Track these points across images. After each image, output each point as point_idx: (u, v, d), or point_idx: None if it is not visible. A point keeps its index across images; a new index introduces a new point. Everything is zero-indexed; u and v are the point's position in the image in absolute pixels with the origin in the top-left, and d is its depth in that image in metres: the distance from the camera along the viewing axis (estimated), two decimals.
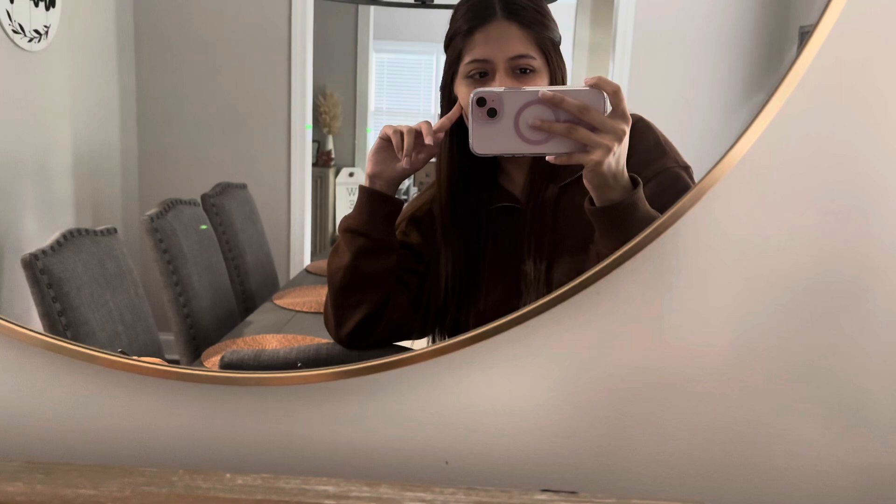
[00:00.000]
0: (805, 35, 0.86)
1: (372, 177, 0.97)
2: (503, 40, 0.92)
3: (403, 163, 0.94)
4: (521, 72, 0.92)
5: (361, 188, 0.98)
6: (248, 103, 1.32)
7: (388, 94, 1.43)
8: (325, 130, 1.42)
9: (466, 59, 0.93)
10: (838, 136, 0.87)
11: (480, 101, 0.83)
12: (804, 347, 0.92)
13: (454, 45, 0.94)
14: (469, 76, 0.93)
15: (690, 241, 0.89)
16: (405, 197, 1.00)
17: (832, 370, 0.92)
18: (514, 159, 0.99)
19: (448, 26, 0.96)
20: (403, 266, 1.01)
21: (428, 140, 0.91)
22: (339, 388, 0.94)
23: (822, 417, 0.94)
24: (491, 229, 1.01)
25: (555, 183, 0.97)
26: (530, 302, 0.92)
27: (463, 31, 0.93)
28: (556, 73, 0.94)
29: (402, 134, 0.93)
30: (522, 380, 0.93)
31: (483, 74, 0.92)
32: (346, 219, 1.00)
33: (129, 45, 1.29)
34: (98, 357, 0.92)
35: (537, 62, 0.92)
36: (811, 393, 0.93)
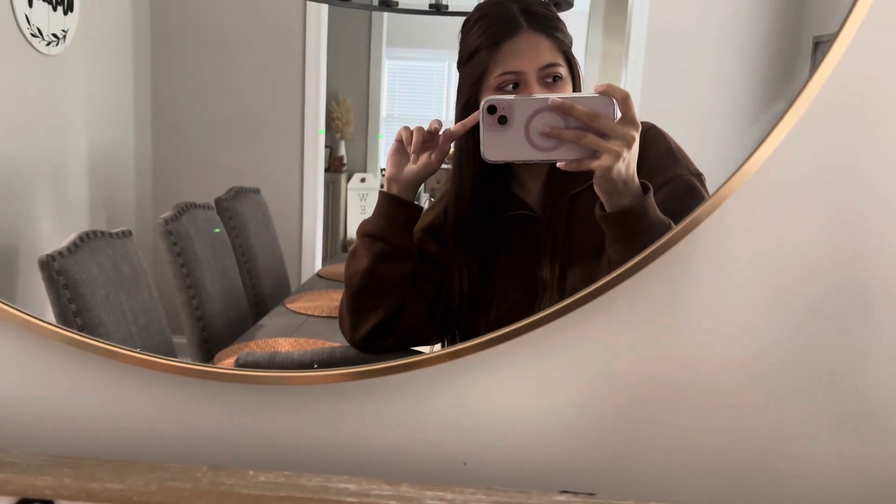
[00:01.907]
0: (819, 45, 0.87)
1: (389, 180, 0.97)
2: (533, 51, 0.93)
3: (412, 160, 0.94)
4: (553, 80, 0.93)
5: (381, 193, 0.98)
6: (262, 108, 1.33)
7: (399, 101, 1.43)
8: (338, 136, 1.43)
9: (496, 72, 0.93)
10: (855, 148, 0.88)
11: (491, 109, 0.84)
12: (820, 355, 0.92)
13: (478, 60, 0.94)
14: (500, 88, 0.93)
15: (706, 250, 0.90)
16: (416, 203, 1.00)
17: (848, 378, 0.93)
18: (529, 168, 1.00)
19: (461, 44, 0.97)
20: (419, 272, 1.01)
21: (436, 126, 0.92)
22: (357, 388, 0.95)
23: (838, 425, 0.94)
24: (505, 237, 1.02)
25: (568, 191, 0.98)
26: (543, 309, 0.92)
27: (488, 45, 0.93)
28: (578, 78, 0.95)
29: (412, 131, 0.93)
30: (539, 383, 0.94)
31: (515, 86, 0.92)
32: (364, 223, 1.00)
33: (145, 49, 1.30)
34: (121, 354, 0.93)
35: (564, 69, 0.93)
36: (827, 400, 0.93)
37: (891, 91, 0.87)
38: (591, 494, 0.82)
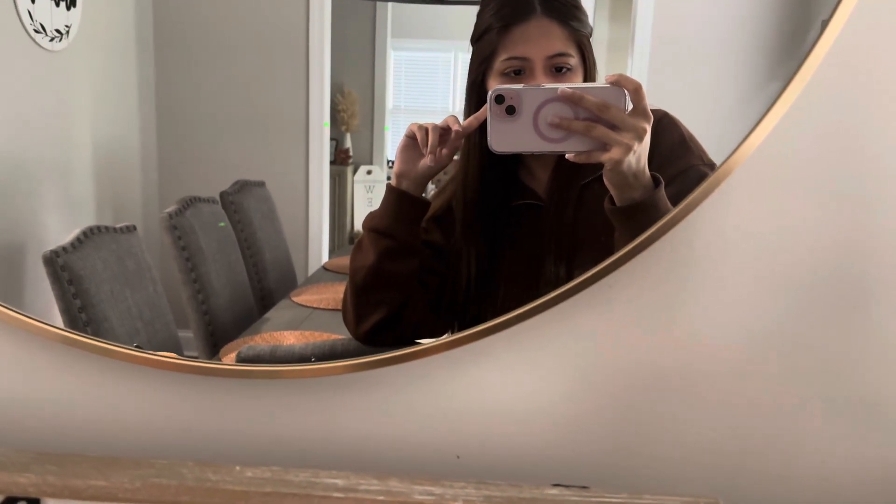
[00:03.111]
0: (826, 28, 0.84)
1: (399, 176, 0.96)
2: (543, 38, 0.91)
3: (428, 160, 0.92)
4: (559, 70, 0.90)
5: (389, 187, 0.97)
6: (267, 101, 1.33)
7: (405, 92, 1.43)
8: (343, 128, 1.42)
9: (502, 55, 0.91)
10: (855, 127, 0.85)
11: (499, 99, 0.82)
12: (819, 342, 0.90)
13: (487, 40, 0.92)
14: (504, 73, 0.91)
15: (704, 233, 0.88)
16: None
17: (849, 365, 0.91)
18: (538, 157, 0.98)
19: (477, 19, 0.94)
20: (425, 265, 1.01)
21: (456, 126, 0.90)
22: (351, 381, 0.94)
23: (837, 413, 0.92)
24: (512, 226, 1.01)
25: (578, 181, 0.96)
26: None
27: (498, 27, 0.91)
28: (591, 70, 0.93)
29: (426, 130, 0.92)
30: (534, 373, 0.93)
31: (518, 72, 0.90)
32: (372, 217, 0.99)
33: (148, 43, 1.30)
34: (114, 351, 0.93)
35: (574, 60, 0.91)
36: (827, 389, 0.92)
37: (891, 66, 0.84)
38: (584, 487, 0.80)
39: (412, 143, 0.94)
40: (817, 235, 0.88)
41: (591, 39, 0.93)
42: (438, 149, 0.92)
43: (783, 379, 0.92)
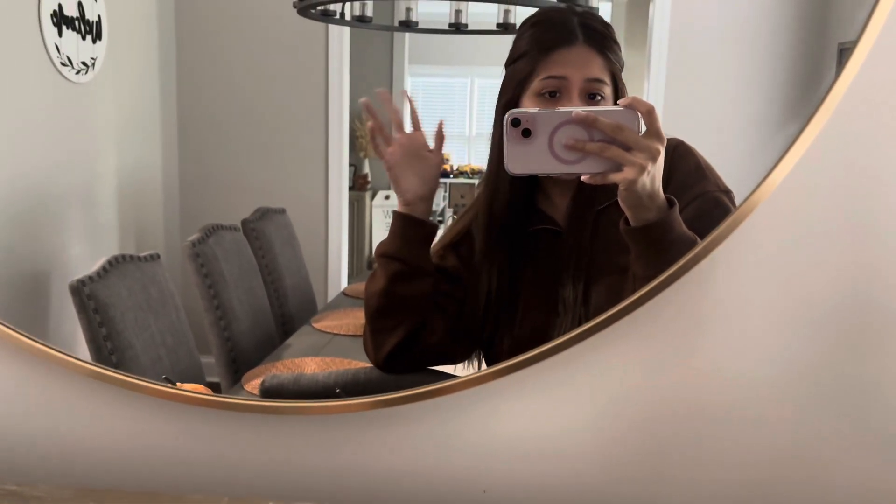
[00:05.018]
0: (844, 52, 0.85)
1: (404, 204, 0.98)
2: (582, 63, 0.92)
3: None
4: (592, 97, 0.92)
5: (395, 213, 0.99)
6: (287, 129, 1.34)
7: (423, 117, 1.43)
8: (362, 154, 1.43)
9: (541, 75, 0.92)
10: (876, 163, 0.86)
11: (515, 122, 0.83)
12: (844, 374, 0.90)
13: (527, 61, 0.94)
14: (540, 94, 0.92)
15: (728, 269, 0.89)
16: (440, 219, 1.00)
17: (874, 396, 0.91)
18: (557, 184, 0.99)
19: (513, 45, 0.96)
20: (441, 290, 1.02)
21: (370, 124, 0.95)
22: (377, 416, 0.95)
23: (863, 444, 0.92)
24: (530, 252, 1.01)
25: (595, 206, 0.97)
26: (567, 326, 0.91)
27: (538, 49, 0.93)
28: None
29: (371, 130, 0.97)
30: (560, 408, 0.93)
31: (553, 94, 0.92)
32: (381, 244, 1.01)
33: (171, 75, 1.31)
34: (145, 387, 0.94)
35: (608, 90, 0.92)
36: (852, 420, 0.92)
37: None
38: None
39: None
40: (841, 269, 0.88)
41: (621, 71, 0.94)
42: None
43: (807, 410, 0.92)
